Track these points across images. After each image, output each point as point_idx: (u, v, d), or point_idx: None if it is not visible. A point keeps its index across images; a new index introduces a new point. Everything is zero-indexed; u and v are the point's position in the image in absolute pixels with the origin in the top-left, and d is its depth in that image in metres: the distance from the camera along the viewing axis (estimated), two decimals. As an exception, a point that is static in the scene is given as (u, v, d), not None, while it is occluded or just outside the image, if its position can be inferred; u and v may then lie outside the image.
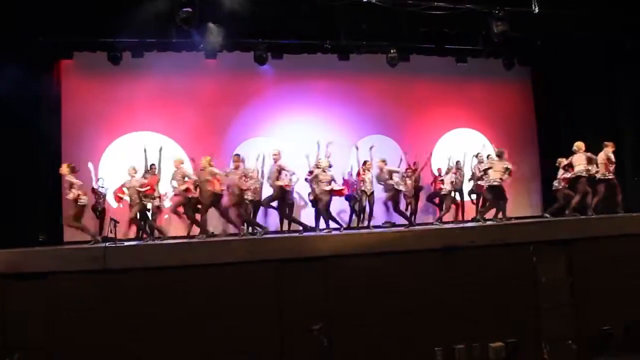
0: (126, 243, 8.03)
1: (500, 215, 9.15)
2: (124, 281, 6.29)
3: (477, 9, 10.46)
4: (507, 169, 9.13)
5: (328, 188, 8.85)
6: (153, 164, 9.79)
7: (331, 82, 12.31)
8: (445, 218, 10.35)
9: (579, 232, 7.56)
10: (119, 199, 10.18)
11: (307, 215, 10.48)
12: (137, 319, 6.18)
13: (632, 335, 7.13)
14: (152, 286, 6.33)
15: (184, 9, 9.57)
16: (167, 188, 9.77)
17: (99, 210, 10.54)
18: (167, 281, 6.37)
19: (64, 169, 8.61)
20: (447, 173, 10.89)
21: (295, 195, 10.72)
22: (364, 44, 11.82)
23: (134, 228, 9.37)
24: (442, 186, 10.72)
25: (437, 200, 11.36)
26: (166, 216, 10.24)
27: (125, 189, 9.47)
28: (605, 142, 9.53)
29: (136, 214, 9.10)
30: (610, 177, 9.28)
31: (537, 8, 10.30)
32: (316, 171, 8.93)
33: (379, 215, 11.08)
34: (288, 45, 11.85)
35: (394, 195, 8.90)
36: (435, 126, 12.90)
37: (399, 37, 11.73)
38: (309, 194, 9.74)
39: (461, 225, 8.64)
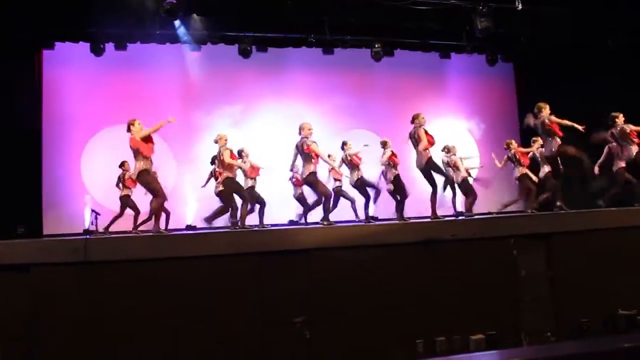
0: (107, 235, 7.98)
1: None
2: (104, 273, 6.25)
3: (461, 4, 10.57)
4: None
5: None
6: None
7: (315, 76, 12.32)
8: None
9: (558, 226, 7.65)
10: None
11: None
12: (118, 312, 6.14)
13: (609, 327, 7.24)
14: (133, 278, 6.29)
15: (168, 0, 9.53)
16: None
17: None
18: (148, 274, 6.33)
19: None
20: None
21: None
22: (349, 38, 11.85)
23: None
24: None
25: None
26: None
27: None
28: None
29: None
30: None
31: (520, 5, 10.39)
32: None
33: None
34: (272, 38, 11.85)
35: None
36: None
37: (384, 32, 11.81)
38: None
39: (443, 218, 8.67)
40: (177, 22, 10.71)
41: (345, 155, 9.36)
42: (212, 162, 9.29)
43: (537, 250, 7.40)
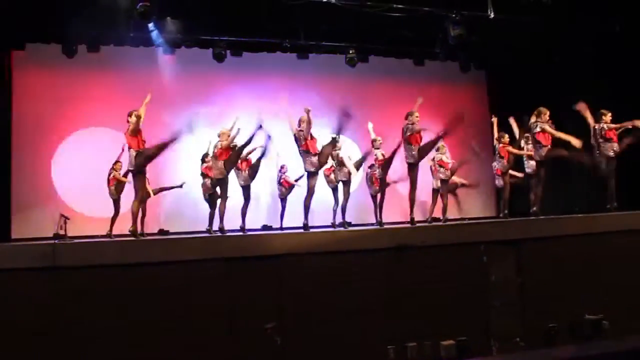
0: (76, 240, 7.87)
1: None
2: (73, 279, 6.16)
3: (435, 12, 10.66)
4: None
5: None
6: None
7: (290, 81, 12.31)
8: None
9: (528, 232, 7.77)
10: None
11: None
12: (86, 318, 6.06)
13: (575, 332, 7.37)
14: (103, 284, 6.22)
15: (142, 3, 9.45)
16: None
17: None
18: (118, 279, 6.27)
19: None
20: None
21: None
22: (323, 44, 11.89)
23: None
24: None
25: None
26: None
27: None
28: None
29: None
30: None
31: (492, 13, 10.54)
32: None
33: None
34: (247, 43, 11.82)
35: None
36: (393, 126, 13.02)
37: (358, 38, 11.87)
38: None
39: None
40: (150, 25, 10.62)
41: (336, 154, 9.31)
42: (203, 161, 9.33)
43: (507, 257, 7.50)
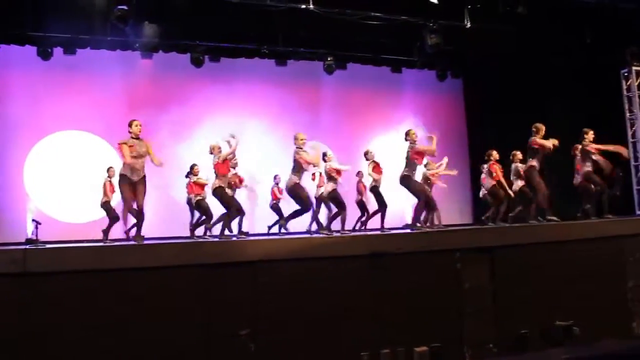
0: (49, 245, 7.75)
1: None
2: (45, 285, 6.07)
3: (412, 21, 10.78)
4: None
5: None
6: None
7: (268, 87, 12.34)
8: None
9: (501, 240, 7.85)
10: None
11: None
12: (57, 326, 5.97)
13: (546, 338, 7.47)
14: (76, 290, 6.13)
15: (119, 7, 9.40)
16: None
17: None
18: (92, 285, 6.19)
19: None
20: None
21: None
22: (302, 50, 11.92)
23: None
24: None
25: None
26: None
27: None
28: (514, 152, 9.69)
29: None
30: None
31: (469, 23, 10.69)
32: None
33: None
34: (225, 48, 11.81)
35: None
36: (369, 133, 13.13)
37: (336, 45, 11.93)
38: None
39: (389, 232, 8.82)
40: (128, 29, 10.55)
41: (326, 166, 9.32)
42: (187, 176, 9.36)
43: (481, 264, 7.56)
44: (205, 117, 11.93)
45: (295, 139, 8.13)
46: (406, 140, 8.70)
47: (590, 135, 9.19)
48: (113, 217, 8.95)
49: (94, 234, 9.31)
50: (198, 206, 9.29)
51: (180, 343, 6.27)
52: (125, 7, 9.39)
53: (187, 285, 6.40)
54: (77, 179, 10.96)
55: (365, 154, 9.72)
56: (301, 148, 8.07)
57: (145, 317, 6.22)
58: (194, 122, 11.85)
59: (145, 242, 7.35)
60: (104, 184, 9.29)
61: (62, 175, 10.89)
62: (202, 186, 9.27)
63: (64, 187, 11.00)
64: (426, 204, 8.97)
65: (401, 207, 11.93)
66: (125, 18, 9.60)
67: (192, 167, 9.45)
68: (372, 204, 10.14)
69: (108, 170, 9.42)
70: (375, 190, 9.58)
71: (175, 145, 11.37)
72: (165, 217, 10.79)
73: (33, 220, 7.82)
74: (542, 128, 8.90)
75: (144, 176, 7.26)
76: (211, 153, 8.53)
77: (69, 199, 10.97)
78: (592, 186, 9.20)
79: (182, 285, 6.38)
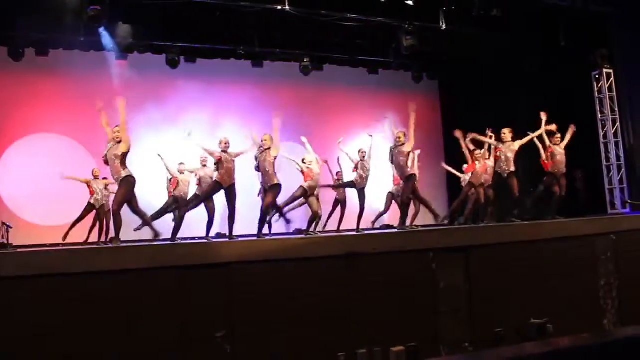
0: (20, 249, 7.64)
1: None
2: (16, 290, 5.96)
3: (388, 22, 10.85)
4: None
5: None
6: None
7: (244, 88, 12.30)
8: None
9: (475, 239, 7.93)
10: None
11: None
12: (28, 331, 5.87)
13: (521, 336, 7.56)
14: (50, 294, 6.04)
15: (93, 7, 9.29)
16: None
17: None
18: (66, 289, 6.10)
19: None
20: None
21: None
22: (278, 51, 11.91)
23: None
24: None
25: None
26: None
27: None
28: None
29: None
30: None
31: (444, 25, 10.80)
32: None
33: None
34: (201, 49, 11.75)
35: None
36: (346, 134, 13.12)
37: (313, 47, 11.94)
38: None
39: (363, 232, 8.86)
40: (102, 30, 10.44)
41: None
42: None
43: (456, 263, 7.63)
44: (182, 118, 11.83)
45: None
46: (397, 143, 8.76)
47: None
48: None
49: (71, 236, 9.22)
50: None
51: (154, 347, 6.21)
52: (98, 7, 9.29)
53: (161, 288, 6.35)
54: (50, 181, 10.79)
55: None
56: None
57: (120, 319, 6.15)
58: (170, 123, 11.74)
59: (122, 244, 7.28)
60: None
61: (35, 178, 10.71)
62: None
63: (37, 189, 10.82)
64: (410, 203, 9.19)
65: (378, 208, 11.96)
66: (98, 18, 9.50)
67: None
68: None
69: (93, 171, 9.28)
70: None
71: (153, 145, 11.27)
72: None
73: (3, 223, 7.68)
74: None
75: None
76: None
77: (42, 202, 10.81)
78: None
79: (157, 287, 6.33)
